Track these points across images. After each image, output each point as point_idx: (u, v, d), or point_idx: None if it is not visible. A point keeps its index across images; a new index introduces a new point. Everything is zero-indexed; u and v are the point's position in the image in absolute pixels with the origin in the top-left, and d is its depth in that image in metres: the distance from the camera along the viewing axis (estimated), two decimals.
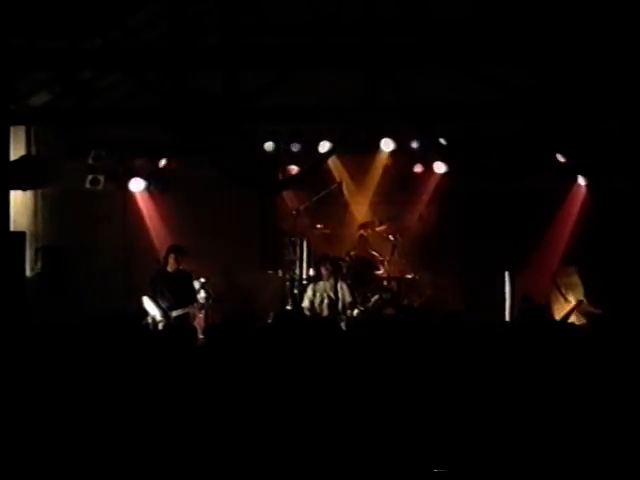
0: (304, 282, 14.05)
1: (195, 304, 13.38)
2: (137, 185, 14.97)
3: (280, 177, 14.75)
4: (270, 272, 14.62)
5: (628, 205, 14.10)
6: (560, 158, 13.87)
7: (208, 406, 5.77)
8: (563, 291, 13.32)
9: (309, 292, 13.79)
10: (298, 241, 14.36)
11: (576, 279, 13.40)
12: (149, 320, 12.99)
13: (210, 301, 13.59)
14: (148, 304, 13.12)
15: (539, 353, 5.95)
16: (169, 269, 13.58)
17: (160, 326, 12.83)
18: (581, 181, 14.57)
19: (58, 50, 11.41)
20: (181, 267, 13.56)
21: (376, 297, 13.71)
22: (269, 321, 11.69)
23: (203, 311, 13.57)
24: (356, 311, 13.42)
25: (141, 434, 5.69)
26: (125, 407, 5.86)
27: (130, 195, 15.09)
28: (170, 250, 13.66)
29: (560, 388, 5.66)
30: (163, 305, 13.22)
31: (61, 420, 5.86)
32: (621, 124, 12.03)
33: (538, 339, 6.10)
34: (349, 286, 13.70)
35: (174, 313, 13.19)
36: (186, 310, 13.26)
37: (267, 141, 14.49)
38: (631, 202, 14.05)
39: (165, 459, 5.55)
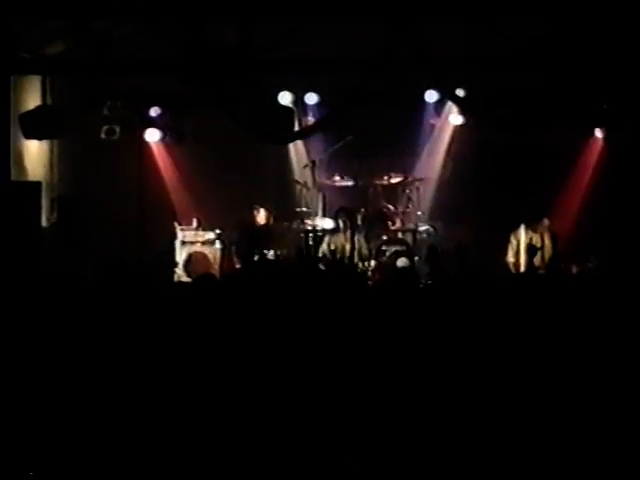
0: (319, 234, 14.06)
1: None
2: (153, 135, 14.96)
3: (296, 128, 14.69)
4: (285, 224, 14.61)
5: None
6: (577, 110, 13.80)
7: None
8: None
9: (325, 245, 13.81)
10: (314, 193, 14.37)
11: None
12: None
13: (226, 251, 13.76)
14: None
15: (552, 306, 5.95)
16: (258, 223, 14.13)
17: None
18: (598, 134, 14.50)
19: None
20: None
21: (391, 250, 13.73)
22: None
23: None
24: (373, 263, 13.46)
25: (158, 385, 5.72)
26: (142, 359, 5.89)
27: (146, 145, 15.06)
28: (256, 206, 14.11)
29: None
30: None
31: (77, 370, 5.89)
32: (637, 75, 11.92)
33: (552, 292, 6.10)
34: (366, 239, 13.73)
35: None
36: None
37: (283, 92, 14.42)
38: None
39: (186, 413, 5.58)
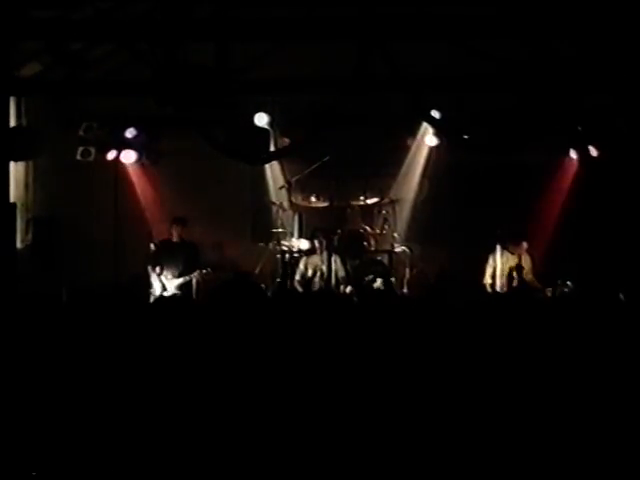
0: (296, 255, 14.05)
1: (195, 273, 13.62)
2: (128, 157, 14.92)
3: (272, 149, 14.69)
4: (261, 245, 14.59)
5: (617, 178, 14.17)
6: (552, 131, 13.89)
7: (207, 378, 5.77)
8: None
9: (301, 266, 13.79)
10: (290, 214, 14.36)
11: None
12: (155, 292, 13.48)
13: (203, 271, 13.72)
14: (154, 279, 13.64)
15: (524, 328, 5.96)
16: (173, 239, 13.99)
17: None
18: (573, 155, 14.57)
19: (49, 20, 11.36)
20: (184, 237, 13.99)
21: (370, 276, 13.67)
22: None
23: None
24: (349, 288, 13.43)
25: (138, 403, 5.70)
26: (120, 379, 5.87)
27: (121, 166, 15.02)
28: (173, 221, 14.02)
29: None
30: (168, 275, 13.65)
31: (49, 392, 5.86)
32: (611, 97, 12.02)
33: (527, 314, 6.11)
34: (342, 260, 13.72)
35: (175, 282, 13.53)
36: (187, 279, 13.60)
37: (258, 113, 14.43)
38: (621, 175, 14.11)
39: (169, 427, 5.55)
